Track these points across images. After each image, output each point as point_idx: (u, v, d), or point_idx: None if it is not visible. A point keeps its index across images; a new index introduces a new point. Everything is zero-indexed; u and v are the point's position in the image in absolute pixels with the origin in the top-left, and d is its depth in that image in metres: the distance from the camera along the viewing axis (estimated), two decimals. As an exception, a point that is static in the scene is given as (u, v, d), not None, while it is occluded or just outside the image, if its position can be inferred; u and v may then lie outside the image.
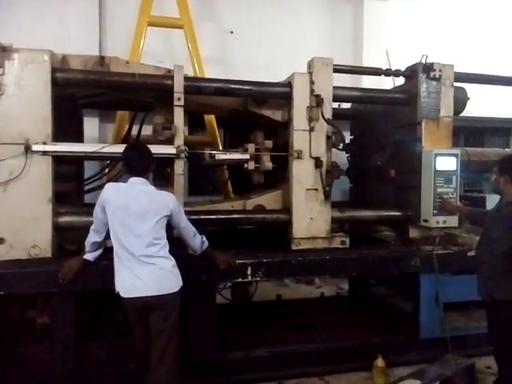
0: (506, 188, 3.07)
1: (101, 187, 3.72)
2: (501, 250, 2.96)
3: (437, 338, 3.84)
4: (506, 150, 4.98)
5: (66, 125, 3.85)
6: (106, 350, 3.45)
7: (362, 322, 4.37)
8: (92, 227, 2.92)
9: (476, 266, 3.26)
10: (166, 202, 2.86)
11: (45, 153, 3.27)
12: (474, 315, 3.77)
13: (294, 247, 3.80)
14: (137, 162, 2.88)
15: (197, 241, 3.12)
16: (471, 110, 4.78)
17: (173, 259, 2.84)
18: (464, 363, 3.21)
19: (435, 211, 3.92)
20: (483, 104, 6.35)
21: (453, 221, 3.98)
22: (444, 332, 3.80)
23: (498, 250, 2.98)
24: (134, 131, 4.43)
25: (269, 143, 3.99)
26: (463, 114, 4.53)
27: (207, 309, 3.44)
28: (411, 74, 4.20)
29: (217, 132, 5.53)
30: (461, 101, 4.34)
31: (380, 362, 3.63)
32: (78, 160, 4.05)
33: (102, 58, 3.70)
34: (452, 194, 3.95)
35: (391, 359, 3.72)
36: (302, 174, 3.81)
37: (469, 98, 4.42)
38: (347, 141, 4.74)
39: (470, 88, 4.47)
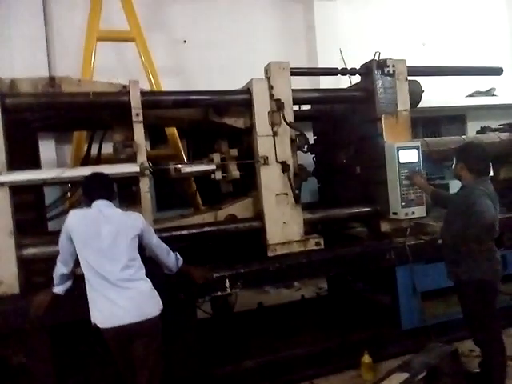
0: (462, 174, 3.21)
1: (64, 213, 3.58)
2: (457, 232, 3.08)
3: (418, 327, 3.91)
4: (463, 137, 5.14)
5: (20, 151, 3.68)
6: (88, 383, 3.30)
7: (344, 319, 4.39)
8: (59, 258, 2.79)
9: (442, 249, 3.39)
10: (135, 222, 2.80)
11: (1, 184, 3.10)
12: (452, 300, 3.82)
13: (270, 254, 3.77)
14: (97, 192, 2.81)
15: (171, 258, 3.04)
16: (427, 100, 4.91)
17: (149, 281, 2.75)
18: (448, 349, 3.27)
19: (403, 203, 3.99)
20: (438, 93, 6.57)
21: (421, 211, 4.07)
22: (425, 320, 3.87)
23: (455, 231, 3.10)
24: (94, 151, 4.29)
25: (234, 151, 3.95)
26: (420, 105, 4.64)
27: (188, 326, 3.37)
28: (366, 71, 4.26)
29: (180, 144, 5.44)
30: (416, 94, 4.44)
31: (367, 359, 3.65)
32: (37, 187, 3.87)
33: (53, 78, 3.55)
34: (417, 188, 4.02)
35: (377, 354, 3.76)
36: (270, 179, 3.79)
37: (423, 91, 4.53)
38: (311, 141, 4.77)
39: (424, 79, 4.58)
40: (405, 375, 2.93)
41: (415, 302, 3.91)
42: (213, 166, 3.83)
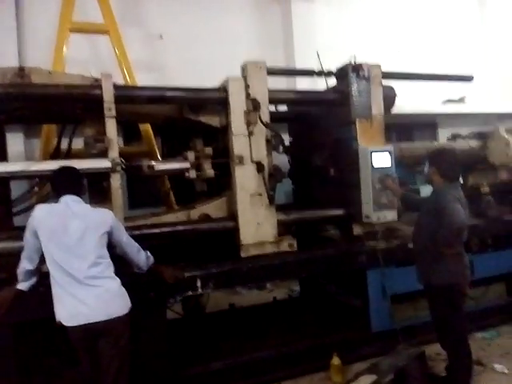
0: (434, 178, 3.29)
1: (31, 208, 3.45)
2: (428, 236, 3.13)
3: (388, 329, 3.95)
4: (435, 143, 5.25)
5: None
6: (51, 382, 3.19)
7: (316, 322, 4.41)
8: (23, 254, 2.69)
9: (413, 253, 3.45)
10: (104, 218, 2.74)
11: (-36, 176, 2.96)
12: (421, 304, 3.91)
13: (242, 254, 3.74)
14: (66, 186, 2.73)
15: (141, 257, 2.98)
16: (401, 106, 4.99)
17: (118, 279, 2.69)
18: (415, 352, 3.33)
19: (376, 207, 4.02)
20: (411, 100, 6.70)
21: (392, 215, 4.11)
22: (394, 323, 3.91)
23: (426, 235, 3.16)
24: (64, 145, 4.16)
25: (209, 150, 3.91)
26: (393, 111, 4.70)
27: (158, 326, 3.30)
28: (342, 74, 4.29)
29: (154, 141, 5.36)
30: (390, 98, 4.51)
31: (336, 361, 3.67)
32: (3, 181, 3.72)
33: (22, 69, 3.43)
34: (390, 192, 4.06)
35: (347, 356, 3.78)
36: (245, 179, 3.77)
37: (397, 96, 4.60)
38: (286, 143, 4.77)
39: (398, 86, 4.66)
40: (373, 377, 2.96)
41: (385, 305, 3.95)
42: (187, 164, 3.78)
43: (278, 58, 7.10)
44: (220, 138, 4.04)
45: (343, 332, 4.10)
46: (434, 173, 3.27)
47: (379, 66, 4.30)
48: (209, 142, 4.10)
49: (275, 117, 4.36)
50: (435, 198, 3.22)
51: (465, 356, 3.18)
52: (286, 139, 5.09)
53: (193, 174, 3.79)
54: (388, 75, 4.44)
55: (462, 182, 4.62)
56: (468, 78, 5.28)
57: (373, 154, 4.03)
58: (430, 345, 3.77)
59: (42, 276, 2.79)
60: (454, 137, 5.52)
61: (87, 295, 2.53)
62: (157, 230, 3.56)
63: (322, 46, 7.19)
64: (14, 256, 2.85)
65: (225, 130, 3.87)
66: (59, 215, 2.62)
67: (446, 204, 3.04)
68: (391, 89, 4.56)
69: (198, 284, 3.38)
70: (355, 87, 4.19)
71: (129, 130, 5.93)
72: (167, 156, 5.57)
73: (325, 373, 3.73)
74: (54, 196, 2.80)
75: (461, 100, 8.33)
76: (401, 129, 8.26)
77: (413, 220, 3.68)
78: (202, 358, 3.69)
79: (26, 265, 2.70)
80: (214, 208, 3.90)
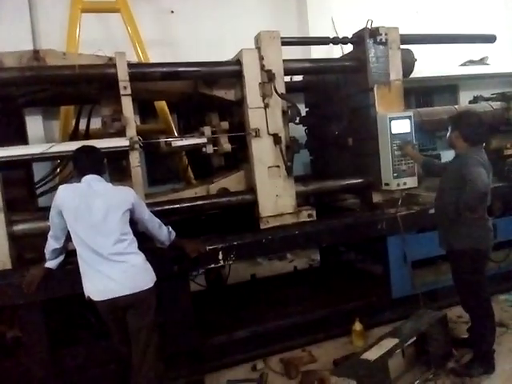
0: (457, 143, 3.20)
1: (54, 189, 3.55)
2: (451, 201, 3.09)
3: (409, 295, 3.97)
4: (455, 106, 5.10)
5: (6, 127, 3.63)
6: (83, 355, 3.34)
7: (337, 289, 4.45)
8: (50, 233, 2.78)
9: (435, 218, 3.41)
10: (126, 196, 2.79)
11: (-12, 160, 3.05)
12: (442, 269, 3.92)
13: (262, 226, 3.77)
14: (88, 166, 2.78)
15: (163, 232, 3.04)
16: (420, 70, 4.85)
17: (142, 254, 2.77)
18: (436, 316, 3.35)
19: (395, 174, 3.97)
20: (430, 63, 6.50)
21: (412, 181, 4.06)
22: (415, 288, 3.93)
23: (449, 200, 3.11)
24: (82, 126, 4.22)
25: (225, 124, 3.90)
26: (412, 75, 4.58)
27: (183, 298, 3.40)
28: (358, 40, 4.18)
29: (170, 118, 5.36)
30: (409, 63, 4.38)
31: (358, 326, 3.74)
32: (25, 163, 3.82)
33: (37, 51, 3.46)
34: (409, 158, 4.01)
35: (368, 321, 3.86)
36: (262, 152, 3.77)
37: (416, 60, 4.47)
38: (303, 113, 4.72)
39: (417, 48, 4.51)
40: (395, 341, 3.00)
41: (406, 271, 3.96)
42: (204, 140, 3.78)
43: (291, 30, 6.91)
44: (235, 111, 4.03)
45: (365, 298, 4.14)
46: (457, 137, 3.18)
47: (397, 30, 4.16)
48: (224, 117, 4.10)
49: (291, 87, 4.31)
50: (458, 163, 3.15)
51: (487, 318, 3.19)
52: (303, 109, 5.04)
53: (210, 148, 3.80)
54: (406, 39, 4.29)
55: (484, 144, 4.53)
56: (490, 39, 5.05)
57: (392, 120, 3.96)
58: (451, 308, 3.80)
59: (68, 254, 2.90)
60: (476, 99, 5.37)
61: (113, 271, 2.61)
62: (177, 206, 3.60)
63: (337, 14, 7.06)
64: (40, 236, 2.97)
65: (240, 104, 3.85)
66: (82, 195, 2.67)
67: (470, 168, 2.98)
68: (410, 52, 4.43)
69: (220, 256, 3.44)
70: (372, 53, 4.08)
71: (145, 108, 5.95)
72: (184, 132, 5.61)
73: (347, 338, 3.81)
74: (76, 176, 2.86)
75: (482, 60, 8.03)
76: (421, 93, 8.07)
77: (433, 186, 3.63)
78: (226, 327, 3.79)
79: (52, 243, 2.79)
80: (232, 182, 3.92)
